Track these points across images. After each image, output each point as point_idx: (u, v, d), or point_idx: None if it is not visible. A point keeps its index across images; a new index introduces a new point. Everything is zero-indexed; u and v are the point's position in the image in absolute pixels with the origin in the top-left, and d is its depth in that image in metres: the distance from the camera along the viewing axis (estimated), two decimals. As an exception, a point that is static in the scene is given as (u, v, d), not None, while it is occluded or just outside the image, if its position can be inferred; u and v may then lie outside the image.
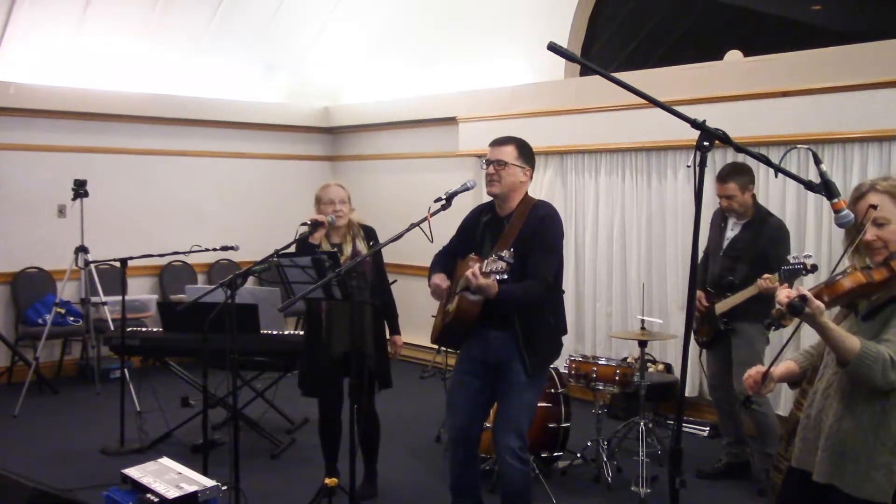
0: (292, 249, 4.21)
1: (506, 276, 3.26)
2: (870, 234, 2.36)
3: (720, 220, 4.81)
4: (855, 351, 2.25)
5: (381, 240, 4.26)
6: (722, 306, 4.63)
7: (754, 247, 4.56)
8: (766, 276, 4.29)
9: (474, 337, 3.71)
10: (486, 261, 3.32)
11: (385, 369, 4.46)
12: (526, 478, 3.70)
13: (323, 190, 4.48)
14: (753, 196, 4.67)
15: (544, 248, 3.59)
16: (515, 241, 3.58)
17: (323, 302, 4.27)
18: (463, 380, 3.80)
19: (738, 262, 4.60)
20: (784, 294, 2.27)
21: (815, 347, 2.65)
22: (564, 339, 3.85)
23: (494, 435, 3.75)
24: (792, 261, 4.09)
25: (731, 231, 4.71)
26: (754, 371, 2.58)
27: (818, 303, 2.22)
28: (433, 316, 3.95)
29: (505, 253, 3.25)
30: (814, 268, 4.08)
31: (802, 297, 2.20)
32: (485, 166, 3.71)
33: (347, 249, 4.38)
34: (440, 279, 3.74)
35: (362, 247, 4.39)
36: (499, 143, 3.71)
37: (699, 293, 4.76)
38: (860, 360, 2.24)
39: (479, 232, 3.79)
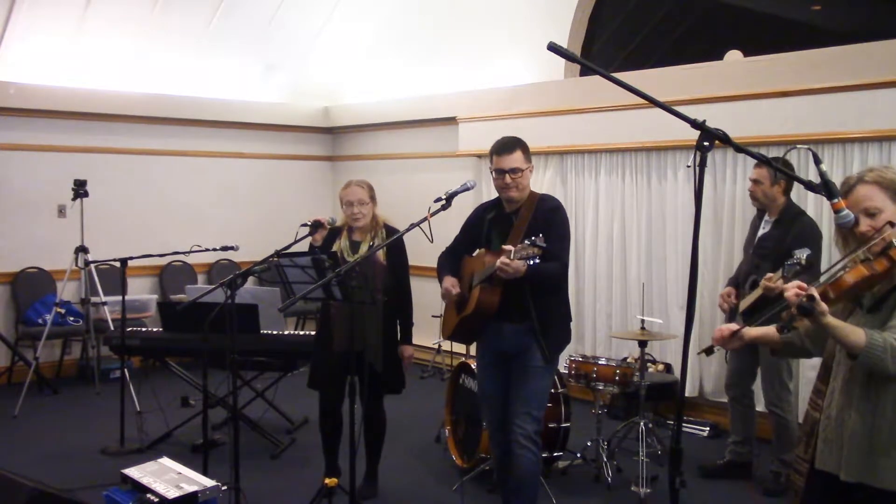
0: (293, 249, 4.19)
1: (538, 261, 3.33)
2: (864, 225, 2.35)
3: (757, 219, 4.76)
4: (861, 344, 2.25)
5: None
6: (742, 304, 4.56)
7: (780, 245, 4.45)
8: (768, 275, 4.20)
9: (489, 331, 3.79)
10: (517, 247, 3.35)
11: (394, 374, 4.41)
12: (537, 463, 3.76)
13: (344, 190, 4.46)
14: (788, 196, 4.57)
15: (559, 235, 3.67)
16: (525, 233, 3.63)
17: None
18: (489, 371, 3.90)
19: (763, 261, 4.50)
20: (793, 292, 2.26)
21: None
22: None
23: (510, 418, 3.77)
24: (793, 258, 4.05)
25: (763, 229, 4.65)
26: (725, 327, 2.58)
27: (823, 305, 2.22)
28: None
29: (536, 239, 3.30)
30: (809, 264, 4.01)
31: (811, 298, 2.20)
32: (496, 176, 3.73)
33: (364, 249, 4.34)
34: (451, 284, 3.80)
35: None
36: (507, 150, 3.72)
37: (730, 290, 4.72)
38: (868, 352, 2.24)
39: (484, 229, 3.86)
